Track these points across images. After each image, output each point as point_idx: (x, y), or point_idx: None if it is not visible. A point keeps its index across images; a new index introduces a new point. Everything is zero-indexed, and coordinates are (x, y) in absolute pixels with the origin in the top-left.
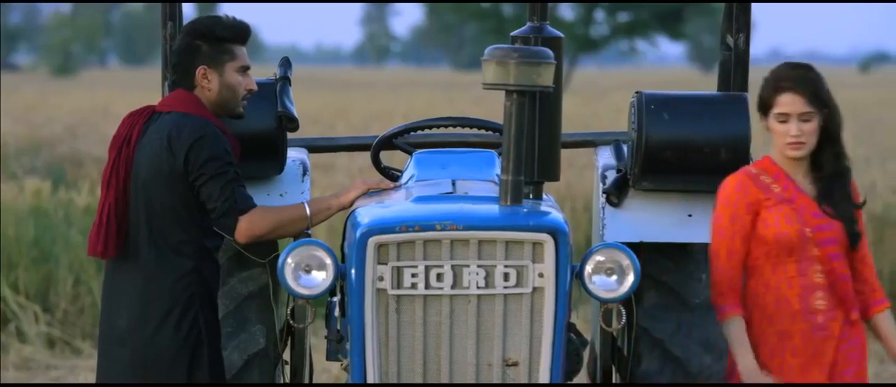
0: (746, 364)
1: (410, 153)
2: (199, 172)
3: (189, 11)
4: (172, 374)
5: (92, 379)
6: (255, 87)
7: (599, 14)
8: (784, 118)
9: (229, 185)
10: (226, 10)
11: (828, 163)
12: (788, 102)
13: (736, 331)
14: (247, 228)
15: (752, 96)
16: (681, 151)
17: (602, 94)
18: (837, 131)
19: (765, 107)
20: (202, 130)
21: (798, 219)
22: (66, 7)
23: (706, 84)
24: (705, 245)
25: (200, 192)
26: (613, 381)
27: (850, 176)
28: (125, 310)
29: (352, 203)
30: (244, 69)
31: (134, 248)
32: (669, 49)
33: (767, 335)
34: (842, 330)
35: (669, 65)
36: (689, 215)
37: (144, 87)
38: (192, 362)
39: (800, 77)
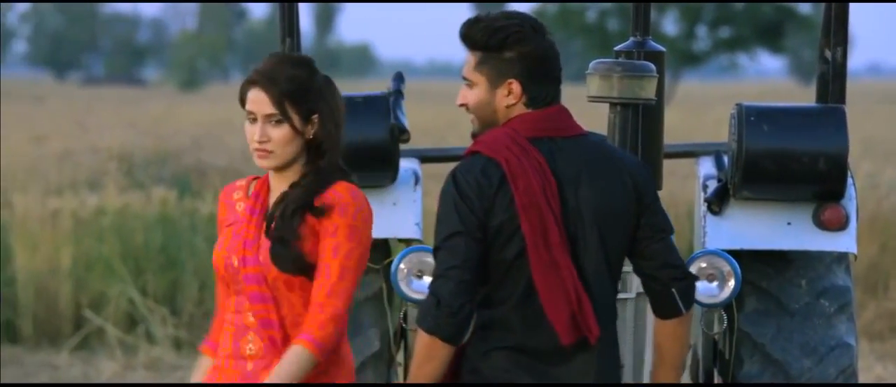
0: None
1: None
2: (657, 221)
3: (307, 28)
4: None
5: None
6: None
7: (702, 29)
8: (252, 117)
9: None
10: (341, 27)
11: (307, 176)
12: (254, 100)
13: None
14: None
15: (850, 109)
16: (780, 161)
17: (704, 107)
18: (329, 145)
19: (242, 104)
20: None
21: (230, 245)
22: (193, 24)
23: (805, 97)
24: (805, 253)
25: (653, 243)
26: (714, 380)
27: (329, 184)
28: None
29: None
30: None
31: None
32: (770, 63)
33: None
34: None
35: (770, 78)
36: (788, 223)
37: None
38: None
39: (271, 71)
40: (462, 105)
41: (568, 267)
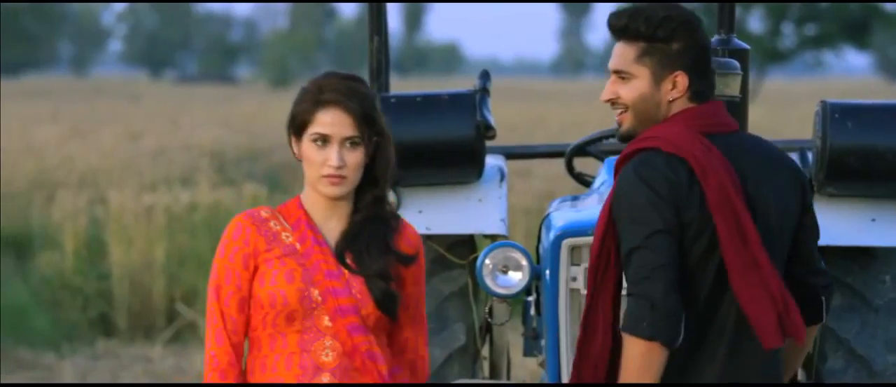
0: None
1: (602, 159)
2: (814, 222)
3: (396, 27)
4: None
5: None
6: None
7: (787, 27)
8: (323, 141)
9: None
10: (430, 25)
11: (365, 207)
12: (332, 122)
13: None
14: None
15: None
16: (864, 158)
17: (789, 104)
18: (385, 170)
19: (298, 125)
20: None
21: (303, 276)
22: (284, 23)
23: (891, 94)
24: (889, 249)
25: (809, 245)
26: (797, 379)
27: (396, 225)
28: None
29: None
30: None
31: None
32: (855, 60)
33: None
34: None
35: (855, 75)
36: (873, 220)
37: None
38: None
39: (351, 90)
40: (610, 100)
41: (768, 265)
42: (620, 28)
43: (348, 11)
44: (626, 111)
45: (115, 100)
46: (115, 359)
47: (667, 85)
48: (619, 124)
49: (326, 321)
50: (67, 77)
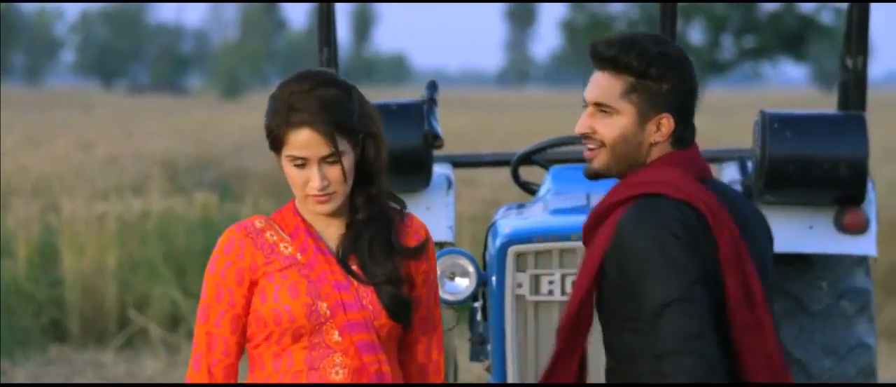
0: None
1: (547, 168)
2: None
3: (344, 38)
4: None
5: None
6: None
7: (727, 39)
8: (301, 163)
9: None
10: (378, 37)
11: (362, 208)
12: (305, 143)
13: None
14: None
15: (870, 116)
16: (802, 166)
17: (729, 114)
18: (379, 164)
19: (273, 142)
20: None
21: (309, 290)
22: (234, 34)
23: (827, 104)
24: (826, 256)
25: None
26: None
27: (400, 220)
28: None
29: None
30: None
31: None
32: (793, 72)
33: None
34: None
35: (793, 86)
36: (810, 227)
37: None
38: None
39: (321, 104)
40: (585, 134)
41: (770, 329)
42: (609, 58)
43: (298, 23)
44: (601, 148)
45: (67, 110)
46: (68, 365)
47: (651, 126)
48: (589, 160)
49: (336, 336)
50: (20, 87)
